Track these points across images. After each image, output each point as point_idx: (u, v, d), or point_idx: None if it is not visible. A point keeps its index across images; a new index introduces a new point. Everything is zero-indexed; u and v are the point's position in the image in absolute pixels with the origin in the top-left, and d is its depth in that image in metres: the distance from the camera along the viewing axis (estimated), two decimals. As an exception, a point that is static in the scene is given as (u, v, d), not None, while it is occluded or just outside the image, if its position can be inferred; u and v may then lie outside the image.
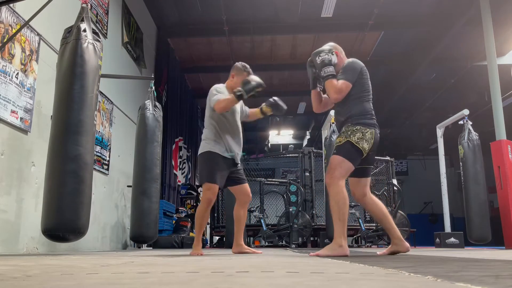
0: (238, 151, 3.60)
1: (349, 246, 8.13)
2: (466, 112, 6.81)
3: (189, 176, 11.21)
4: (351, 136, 2.89)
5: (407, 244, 2.96)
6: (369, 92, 3.07)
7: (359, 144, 2.87)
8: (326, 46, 3.10)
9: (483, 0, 7.06)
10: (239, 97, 3.32)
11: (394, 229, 2.97)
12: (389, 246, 3.04)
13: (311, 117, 14.25)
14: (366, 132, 2.90)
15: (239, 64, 3.73)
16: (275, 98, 3.64)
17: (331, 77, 2.96)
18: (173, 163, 9.50)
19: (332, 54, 3.04)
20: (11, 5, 3.69)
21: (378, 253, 3.16)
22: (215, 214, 9.12)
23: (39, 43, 4.18)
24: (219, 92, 3.51)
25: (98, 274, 1.31)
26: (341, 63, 3.11)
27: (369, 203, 3.09)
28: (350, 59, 3.09)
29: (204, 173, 3.49)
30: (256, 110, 3.77)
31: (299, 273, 1.32)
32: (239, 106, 3.70)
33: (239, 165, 3.64)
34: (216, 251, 4.76)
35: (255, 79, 3.37)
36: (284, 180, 10.03)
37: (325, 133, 7.59)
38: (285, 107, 3.63)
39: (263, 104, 3.68)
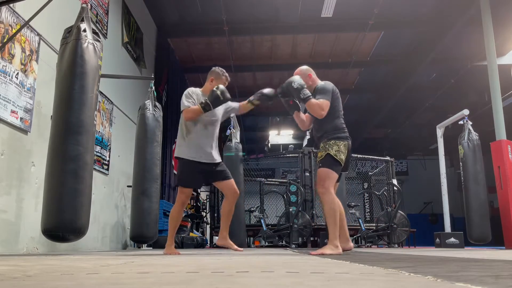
0: (213, 154, 3.66)
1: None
2: (466, 112, 6.81)
3: (189, 176, 11.18)
4: (330, 149, 3.34)
5: (351, 244, 3.58)
6: (340, 111, 3.50)
7: (337, 156, 3.33)
8: (296, 77, 3.47)
9: (483, 0, 7.06)
10: (204, 110, 3.49)
11: (344, 230, 3.51)
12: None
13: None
14: (341, 145, 3.36)
15: (217, 68, 3.81)
16: (262, 91, 3.73)
17: (311, 98, 3.36)
18: (173, 163, 9.50)
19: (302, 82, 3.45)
20: (11, 5, 3.69)
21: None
22: (215, 214, 9.12)
23: (39, 43, 4.18)
24: (191, 97, 3.59)
25: (98, 274, 1.31)
26: (314, 83, 3.56)
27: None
28: (323, 82, 3.54)
29: (179, 177, 3.72)
30: (245, 103, 3.81)
31: (299, 273, 1.32)
32: (221, 106, 3.72)
33: (220, 163, 3.73)
34: (216, 251, 4.76)
35: (223, 92, 3.52)
36: (284, 180, 10.03)
37: (325, 133, 7.58)
38: (272, 93, 3.71)
39: (252, 97, 3.76)
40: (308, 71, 3.60)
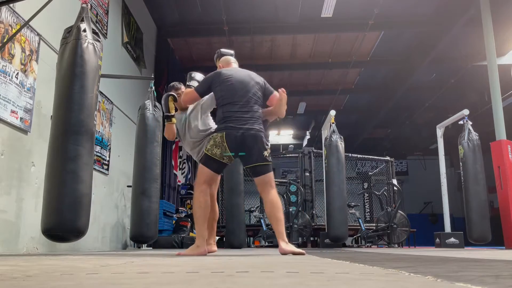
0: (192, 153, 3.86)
1: (349, 246, 8.16)
2: (466, 112, 6.81)
3: (189, 176, 11.21)
4: (207, 145, 3.21)
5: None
6: (224, 98, 3.21)
7: (209, 152, 3.13)
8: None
9: (483, 0, 7.06)
10: (168, 121, 3.59)
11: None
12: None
13: (311, 117, 14.25)
14: (216, 138, 3.12)
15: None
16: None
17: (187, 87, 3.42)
18: (173, 163, 9.50)
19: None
20: (11, 5, 3.69)
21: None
22: (215, 214, 9.12)
23: (39, 43, 4.18)
24: None
25: (98, 274, 1.31)
26: None
27: (265, 203, 3.20)
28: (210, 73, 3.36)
29: None
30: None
31: (299, 273, 1.32)
32: (189, 110, 3.72)
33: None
34: (216, 251, 4.75)
35: (164, 97, 3.66)
36: (284, 180, 10.02)
37: (325, 133, 7.58)
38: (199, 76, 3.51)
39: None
40: (217, 61, 3.57)
